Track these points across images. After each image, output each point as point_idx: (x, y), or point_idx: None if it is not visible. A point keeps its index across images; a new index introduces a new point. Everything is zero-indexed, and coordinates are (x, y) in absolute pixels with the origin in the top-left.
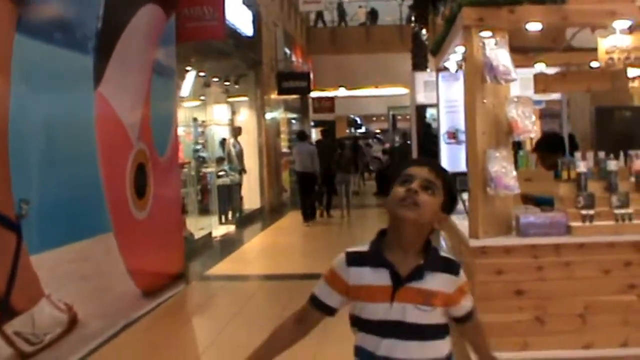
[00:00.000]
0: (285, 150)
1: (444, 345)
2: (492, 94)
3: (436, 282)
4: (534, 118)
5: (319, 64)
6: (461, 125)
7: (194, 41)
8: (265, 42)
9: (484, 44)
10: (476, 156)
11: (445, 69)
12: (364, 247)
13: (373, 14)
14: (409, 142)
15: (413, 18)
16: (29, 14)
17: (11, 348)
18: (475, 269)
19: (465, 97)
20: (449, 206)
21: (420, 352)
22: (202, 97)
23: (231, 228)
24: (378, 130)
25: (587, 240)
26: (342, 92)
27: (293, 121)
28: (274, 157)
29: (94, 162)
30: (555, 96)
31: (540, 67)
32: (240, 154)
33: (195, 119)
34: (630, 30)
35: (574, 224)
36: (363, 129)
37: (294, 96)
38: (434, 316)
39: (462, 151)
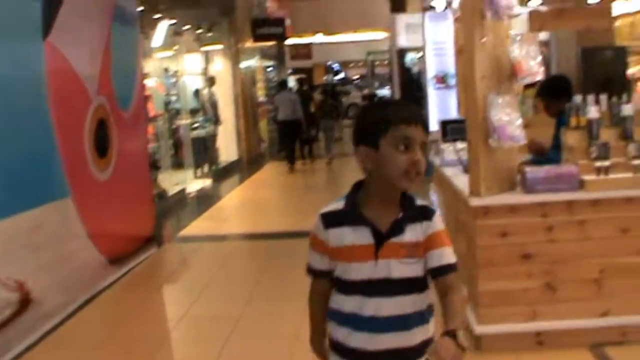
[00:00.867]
0: (262, 99)
1: (428, 297)
2: (492, 32)
3: (416, 232)
4: (540, 58)
5: (295, 10)
6: (450, 68)
7: None
8: None
9: None
10: (476, 103)
11: (432, 7)
12: (339, 205)
13: None
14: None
15: None
16: None
17: None
18: (476, 231)
19: (461, 37)
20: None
21: (408, 306)
22: (175, 47)
23: (207, 182)
24: (356, 77)
25: (603, 196)
26: (319, 38)
27: (269, 69)
28: (251, 107)
29: (45, 120)
30: (542, 37)
31: (534, 4)
32: (214, 105)
33: (166, 70)
34: None
35: (586, 177)
36: (342, 75)
37: (270, 43)
38: (418, 268)
39: (452, 96)
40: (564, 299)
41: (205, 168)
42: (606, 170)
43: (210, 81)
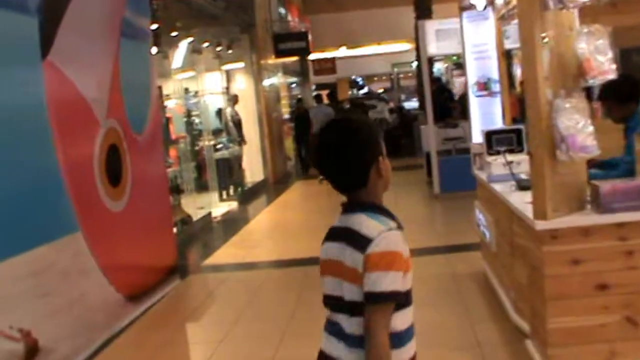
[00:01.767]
0: (286, 116)
1: None
2: (554, 25)
3: None
4: (610, 54)
5: (316, 24)
6: (493, 73)
7: None
8: (258, 2)
9: None
10: (539, 109)
11: (471, 7)
12: (390, 219)
13: None
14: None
15: None
16: None
17: None
18: (544, 259)
19: (519, 33)
20: None
21: None
22: (194, 66)
23: (233, 205)
24: (381, 90)
25: None
26: (342, 52)
27: (293, 85)
28: (276, 125)
29: (48, 148)
30: None
31: None
32: (238, 124)
33: (187, 90)
34: None
35: None
36: (365, 89)
37: (293, 59)
38: None
39: (496, 105)
40: None
41: (231, 190)
42: None
43: (233, 100)
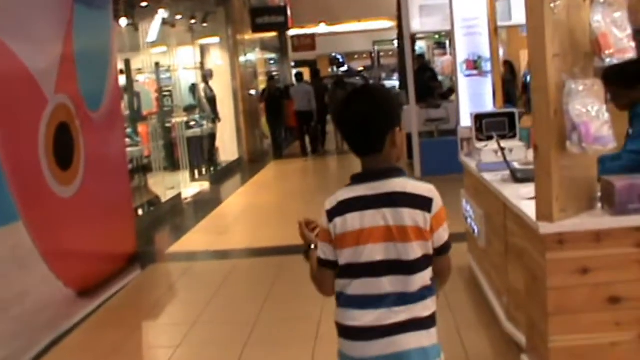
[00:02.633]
0: (253, 91)
1: None
2: None
3: None
4: (630, 30)
5: None
6: (484, 51)
7: None
8: None
9: None
10: (546, 92)
11: None
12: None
13: None
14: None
15: None
16: None
17: None
18: (547, 268)
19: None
20: None
21: None
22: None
23: (205, 185)
24: (361, 68)
25: None
26: (322, 28)
27: (271, 62)
28: (252, 102)
29: None
30: None
31: None
32: (213, 101)
33: (158, 65)
34: None
35: None
36: (345, 67)
37: (271, 34)
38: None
39: (487, 85)
40: None
41: (203, 169)
42: None
43: (207, 75)
